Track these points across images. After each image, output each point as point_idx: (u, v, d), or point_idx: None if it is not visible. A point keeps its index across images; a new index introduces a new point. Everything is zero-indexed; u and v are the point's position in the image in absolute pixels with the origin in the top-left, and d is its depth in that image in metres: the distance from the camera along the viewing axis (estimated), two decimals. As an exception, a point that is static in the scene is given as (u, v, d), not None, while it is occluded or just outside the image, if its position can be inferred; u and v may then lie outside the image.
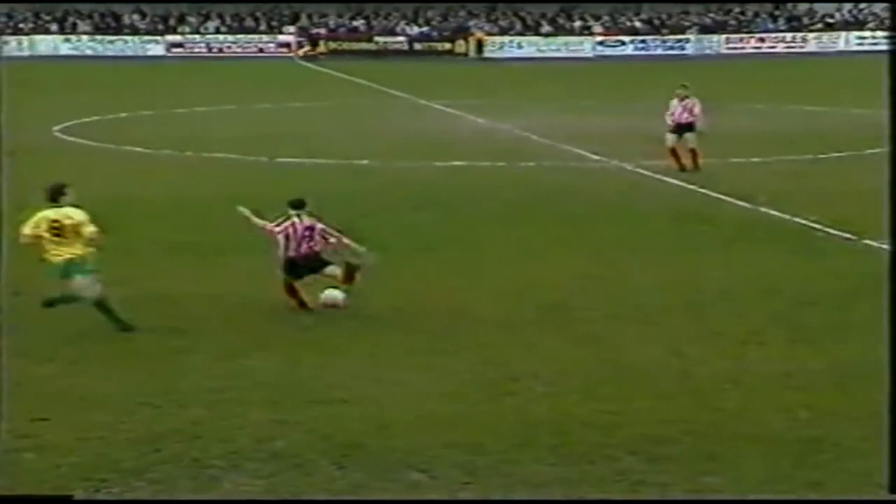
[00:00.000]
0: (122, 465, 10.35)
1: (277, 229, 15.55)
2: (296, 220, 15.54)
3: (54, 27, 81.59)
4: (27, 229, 14.35)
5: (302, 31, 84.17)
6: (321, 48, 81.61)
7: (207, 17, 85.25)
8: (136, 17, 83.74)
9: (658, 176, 27.69)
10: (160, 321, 14.92)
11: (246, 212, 15.79)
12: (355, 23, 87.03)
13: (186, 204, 23.72)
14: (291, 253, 15.45)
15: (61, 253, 14.28)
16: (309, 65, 73.97)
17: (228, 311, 15.36)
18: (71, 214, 14.28)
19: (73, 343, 14.08)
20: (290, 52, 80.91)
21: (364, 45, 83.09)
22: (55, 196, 14.40)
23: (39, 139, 34.75)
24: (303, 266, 15.47)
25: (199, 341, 14.15)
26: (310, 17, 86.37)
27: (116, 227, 20.57)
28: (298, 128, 38.55)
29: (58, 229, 14.21)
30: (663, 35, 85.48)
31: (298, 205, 15.69)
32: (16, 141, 32.59)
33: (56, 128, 37.63)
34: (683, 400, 12.10)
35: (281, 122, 40.58)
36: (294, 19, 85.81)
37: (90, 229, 14.26)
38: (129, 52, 78.78)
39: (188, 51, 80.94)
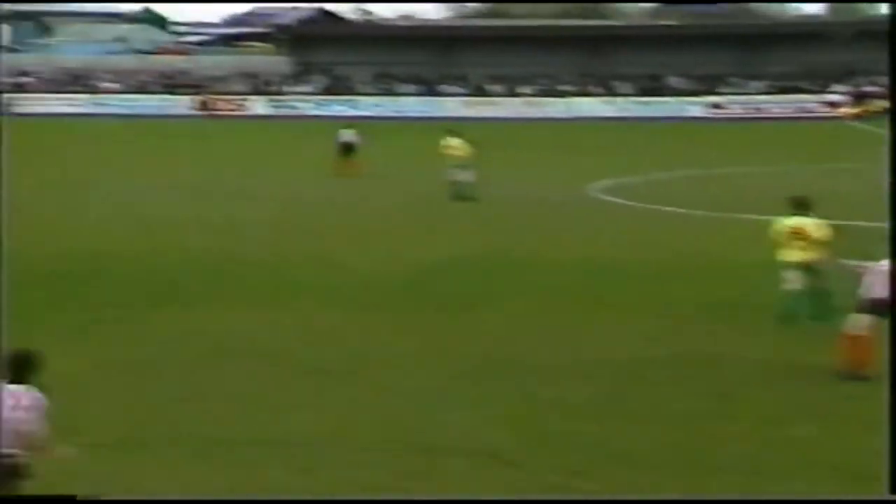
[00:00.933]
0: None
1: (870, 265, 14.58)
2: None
3: (597, 90, 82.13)
4: (775, 233, 17.22)
5: (851, 90, 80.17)
6: (872, 106, 77.02)
7: (753, 78, 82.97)
8: (678, 79, 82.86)
9: None
10: (696, 383, 14.51)
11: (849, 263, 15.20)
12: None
13: (721, 264, 23.07)
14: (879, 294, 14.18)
15: (798, 254, 16.74)
16: (859, 125, 69.92)
17: (769, 376, 14.67)
18: (811, 224, 16.82)
19: (613, 398, 13.90)
20: (838, 112, 77.07)
21: (919, 104, 77.77)
22: (799, 208, 17.06)
23: (574, 197, 35.27)
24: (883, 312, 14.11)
25: (738, 406, 13.59)
26: (863, 73, 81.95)
27: (649, 284, 20.95)
28: (853, 189, 35.46)
29: (799, 234, 16.76)
30: None
31: None
32: (548, 197, 34.40)
33: (593, 186, 37.65)
34: None
35: (830, 184, 37.52)
36: (844, 77, 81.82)
37: (822, 234, 16.63)
38: (670, 113, 77.89)
39: (728, 111, 79.11)
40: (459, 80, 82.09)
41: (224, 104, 78.12)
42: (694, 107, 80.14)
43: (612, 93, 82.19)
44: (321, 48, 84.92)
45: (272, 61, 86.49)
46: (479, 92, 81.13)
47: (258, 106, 78.01)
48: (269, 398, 13.50)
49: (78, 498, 8.89)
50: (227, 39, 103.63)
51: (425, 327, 17.37)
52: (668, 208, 31.85)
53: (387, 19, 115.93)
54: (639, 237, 27.03)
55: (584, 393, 14.01)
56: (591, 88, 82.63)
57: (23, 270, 20.45)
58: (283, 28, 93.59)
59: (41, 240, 25.09)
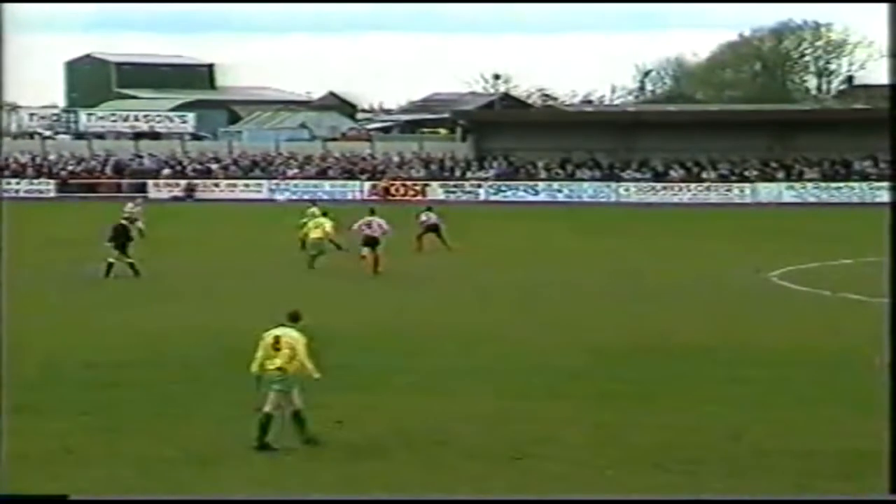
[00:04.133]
0: None
1: None
2: None
3: (780, 175, 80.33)
4: None
5: None
6: None
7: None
8: (867, 163, 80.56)
9: None
10: None
11: None
12: None
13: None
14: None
15: None
16: None
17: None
18: None
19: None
20: None
21: None
22: None
23: (752, 283, 34.70)
24: None
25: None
26: None
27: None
28: None
29: None
30: None
31: None
32: (725, 283, 34.08)
33: (773, 273, 36.60)
34: None
35: None
36: None
37: None
38: (856, 199, 75.51)
39: (921, 197, 76.27)
40: (641, 165, 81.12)
41: (403, 189, 78.57)
42: (882, 192, 77.56)
43: (796, 178, 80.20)
44: (500, 133, 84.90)
45: (452, 147, 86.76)
46: (661, 177, 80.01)
47: (437, 191, 78.14)
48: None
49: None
50: (408, 125, 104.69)
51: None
52: (852, 296, 30.67)
53: (568, 105, 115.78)
54: (820, 324, 26.73)
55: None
56: (774, 174, 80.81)
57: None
58: (462, 113, 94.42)
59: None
